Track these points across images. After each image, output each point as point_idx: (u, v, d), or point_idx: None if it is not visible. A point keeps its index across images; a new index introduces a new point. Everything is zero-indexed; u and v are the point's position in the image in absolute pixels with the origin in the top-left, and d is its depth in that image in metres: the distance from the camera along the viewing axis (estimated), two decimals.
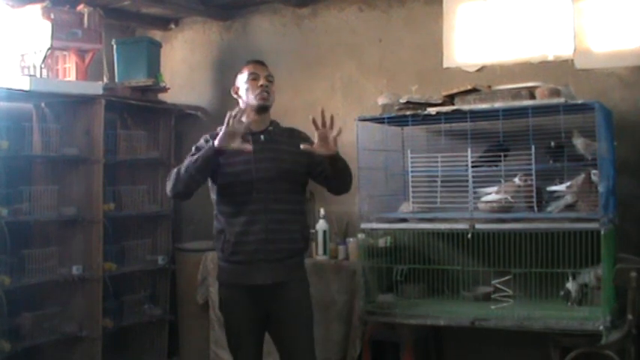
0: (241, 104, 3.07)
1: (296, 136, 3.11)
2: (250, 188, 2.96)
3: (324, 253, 4.22)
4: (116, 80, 4.81)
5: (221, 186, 3.04)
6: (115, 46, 4.84)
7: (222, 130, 2.84)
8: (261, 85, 3.03)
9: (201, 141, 3.09)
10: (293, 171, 3.05)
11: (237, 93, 3.12)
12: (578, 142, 3.42)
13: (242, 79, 3.09)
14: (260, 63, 3.14)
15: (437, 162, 3.64)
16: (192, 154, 3.00)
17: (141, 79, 4.72)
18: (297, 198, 3.10)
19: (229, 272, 3.03)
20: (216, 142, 2.85)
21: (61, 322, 4.18)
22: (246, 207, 2.96)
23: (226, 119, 2.81)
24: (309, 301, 3.11)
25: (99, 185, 4.28)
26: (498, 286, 3.58)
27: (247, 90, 3.06)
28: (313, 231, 4.13)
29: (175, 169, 3.00)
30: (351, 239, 4.21)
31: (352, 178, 3.09)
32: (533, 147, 3.34)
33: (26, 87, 3.95)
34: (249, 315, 3.02)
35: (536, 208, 3.37)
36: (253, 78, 3.05)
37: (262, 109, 3.05)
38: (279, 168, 3.00)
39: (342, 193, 3.15)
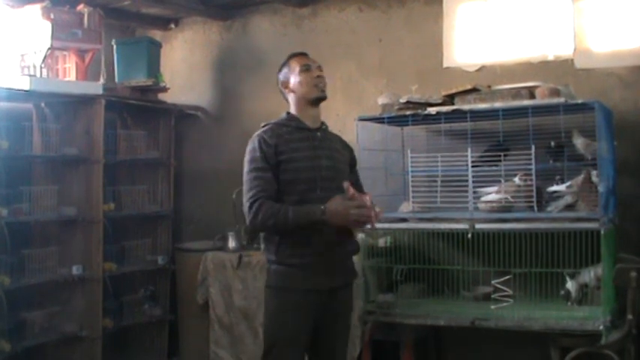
0: (292, 99, 2.93)
1: (346, 144, 3.05)
2: (314, 186, 2.77)
3: None
4: (116, 80, 4.81)
5: (282, 182, 2.79)
6: (115, 46, 4.84)
7: (342, 213, 2.65)
8: (318, 76, 2.90)
9: (255, 144, 2.82)
10: (345, 171, 2.94)
11: (287, 88, 2.94)
12: (578, 142, 3.42)
13: (291, 73, 2.93)
14: (307, 55, 3.01)
15: (437, 162, 3.64)
16: (258, 169, 2.76)
17: (141, 79, 4.73)
18: None
19: (285, 276, 2.79)
20: (329, 218, 2.64)
21: (61, 322, 4.19)
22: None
23: (355, 212, 2.63)
24: (352, 306, 3.01)
25: (99, 185, 4.28)
26: (498, 286, 3.57)
27: (301, 83, 2.89)
28: None
29: (264, 210, 2.70)
30: None
31: None
32: (533, 147, 3.34)
33: (26, 87, 3.95)
34: (301, 323, 2.78)
35: (536, 208, 3.37)
36: (306, 69, 2.91)
37: (320, 100, 2.91)
38: (337, 167, 2.88)
39: None
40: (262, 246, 2.96)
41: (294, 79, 2.91)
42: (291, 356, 2.80)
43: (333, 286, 2.82)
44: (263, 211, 2.71)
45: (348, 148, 3.05)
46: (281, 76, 2.97)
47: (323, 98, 2.93)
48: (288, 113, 2.94)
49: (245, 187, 2.80)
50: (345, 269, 2.89)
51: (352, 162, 3.06)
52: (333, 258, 2.80)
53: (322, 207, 2.66)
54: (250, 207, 2.73)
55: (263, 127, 2.91)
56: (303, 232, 2.72)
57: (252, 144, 2.85)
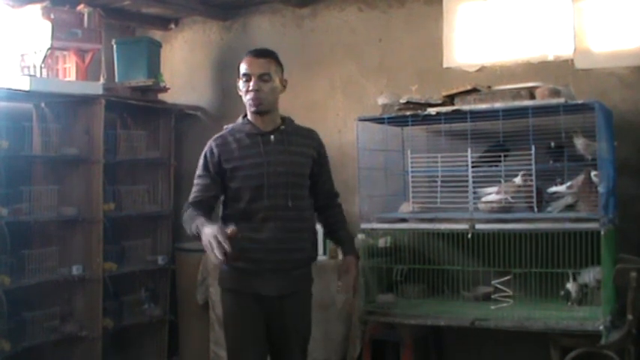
0: None
1: (312, 137, 2.91)
2: (262, 194, 2.73)
3: (324, 253, 4.21)
4: (116, 80, 4.81)
5: (231, 189, 2.80)
6: (115, 46, 4.84)
7: (205, 242, 2.55)
8: (251, 91, 2.75)
9: (204, 151, 2.86)
10: (304, 174, 2.84)
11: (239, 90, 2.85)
12: (579, 143, 3.42)
13: (238, 76, 2.81)
14: (256, 56, 2.81)
15: (437, 162, 3.64)
16: (200, 176, 2.82)
17: (141, 79, 4.73)
18: (306, 203, 2.87)
19: (233, 278, 2.81)
20: (202, 238, 2.57)
21: (61, 322, 4.19)
22: (256, 214, 2.74)
23: (214, 242, 2.48)
24: (309, 316, 2.92)
25: (99, 185, 4.29)
26: (498, 286, 3.57)
27: (242, 92, 2.81)
28: None
29: (186, 214, 2.76)
30: None
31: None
32: (533, 147, 3.34)
33: (26, 87, 3.95)
34: (253, 323, 2.78)
35: (536, 208, 3.37)
36: (246, 79, 2.77)
37: (257, 114, 2.80)
38: (292, 172, 2.78)
39: None
40: None
41: (239, 85, 2.83)
42: (249, 357, 2.79)
43: (282, 293, 2.76)
44: (184, 217, 2.77)
45: (314, 144, 2.89)
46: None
47: (259, 113, 2.79)
48: (245, 116, 2.88)
49: None
50: (292, 277, 2.80)
51: (319, 158, 2.90)
52: (278, 265, 2.75)
53: (202, 227, 2.58)
54: (182, 211, 2.82)
55: (218, 134, 2.88)
56: (244, 237, 2.66)
57: (204, 150, 2.86)
